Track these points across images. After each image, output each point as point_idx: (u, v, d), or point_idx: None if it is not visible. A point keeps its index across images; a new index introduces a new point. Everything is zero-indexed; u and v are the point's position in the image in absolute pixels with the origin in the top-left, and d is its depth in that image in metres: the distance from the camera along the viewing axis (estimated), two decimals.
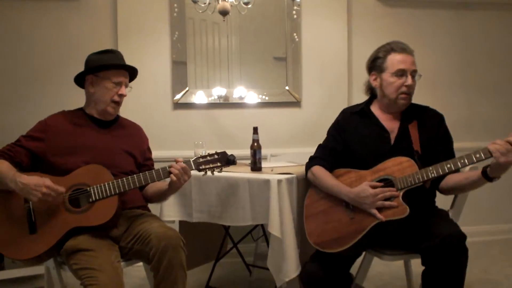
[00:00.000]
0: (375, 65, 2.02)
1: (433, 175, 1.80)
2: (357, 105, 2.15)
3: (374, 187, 1.85)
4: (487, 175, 1.75)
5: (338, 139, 2.09)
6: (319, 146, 2.15)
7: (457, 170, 1.81)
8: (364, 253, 2.05)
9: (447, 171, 1.78)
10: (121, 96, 2.04)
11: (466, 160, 1.74)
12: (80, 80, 2.07)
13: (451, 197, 2.07)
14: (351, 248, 1.86)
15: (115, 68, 2.03)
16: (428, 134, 1.98)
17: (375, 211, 1.82)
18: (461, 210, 2.03)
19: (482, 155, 1.70)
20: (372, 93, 2.11)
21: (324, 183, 1.99)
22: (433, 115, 2.03)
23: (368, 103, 2.11)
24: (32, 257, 1.78)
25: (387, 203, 1.82)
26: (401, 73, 1.95)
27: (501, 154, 1.65)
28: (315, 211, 2.02)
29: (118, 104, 2.05)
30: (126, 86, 2.07)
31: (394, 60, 1.95)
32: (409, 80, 1.94)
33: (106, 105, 2.02)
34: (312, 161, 2.10)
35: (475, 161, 1.72)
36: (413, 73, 1.96)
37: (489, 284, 2.76)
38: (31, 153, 1.94)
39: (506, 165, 1.67)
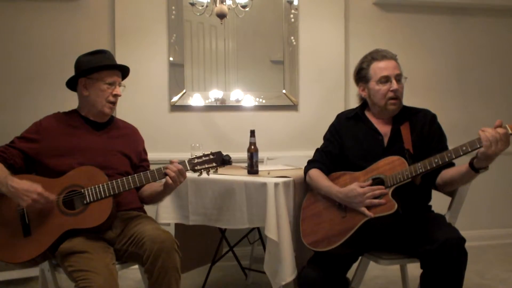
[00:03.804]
0: (360, 76, 2.08)
1: (421, 170, 1.81)
2: (352, 109, 2.20)
3: (363, 187, 1.87)
4: (474, 166, 1.76)
5: (334, 143, 2.13)
6: (317, 150, 2.20)
7: (446, 164, 1.82)
8: (360, 257, 2.05)
9: (434, 165, 1.79)
10: (116, 96, 2.03)
11: (453, 154, 1.76)
12: (72, 83, 2.06)
13: (447, 201, 2.07)
14: (343, 247, 1.87)
15: (107, 69, 2.02)
16: (420, 134, 2.00)
17: (363, 209, 1.84)
18: (457, 213, 2.03)
19: (469, 147, 1.71)
20: (365, 100, 2.14)
21: (318, 185, 2.03)
22: (425, 115, 2.05)
23: (362, 107, 2.15)
24: (26, 260, 1.77)
25: (375, 201, 1.84)
26: (385, 79, 2.00)
27: (490, 143, 1.65)
28: (311, 213, 2.06)
29: (113, 104, 2.04)
30: (120, 85, 2.06)
31: (377, 69, 2.01)
32: (394, 85, 1.98)
33: (102, 106, 2.01)
34: (310, 165, 2.14)
35: (461, 154, 1.74)
36: (397, 77, 2.00)
37: None
38: (25, 154, 1.92)
39: (493, 155, 1.67)
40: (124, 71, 2.10)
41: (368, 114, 2.11)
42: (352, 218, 1.88)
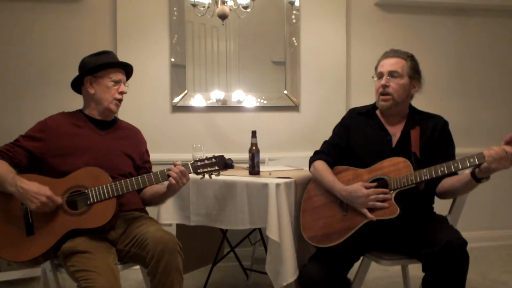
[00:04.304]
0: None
1: (426, 177, 1.81)
2: (365, 106, 2.19)
3: (367, 188, 1.87)
4: (475, 176, 1.77)
5: (342, 136, 2.13)
6: (325, 141, 2.19)
7: (450, 174, 1.82)
8: (361, 257, 2.06)
9: (440, 174, 1.79)
10: (122, 93, 2.06)
11: (459, 164, 1.75)
12: (76, 84, 2.08)
13: (449, 202, 2.07)
14: (344, 243, 1.87)
15: (113, 67, 2.04)
16: (429, 139, 2.00)
17: (365, 211, 1.84)
18: (459, 215, 2.03)
19: (476, 159, 1.71)
20: None
21: (322, 178, 2.03)
22: (437, 121, 2.04)
23: (374, 105, 2.14)
24: (29, 259, 1.77)
25: (378, 204, 1.83)
26: (379, 76, 2.04)
27: (493, 160, 1.66)
28: (311, 206, 2.06)
29: (119, 101, 2.07)
30: (124, 83, 2.09)
31: (378, 66, 2.07)
32: (382, 80, 2.01)
33: (108, 103, 2.03)
34: (316, 155, 2.14)
35: (468, 165, 1.73)
36: (391, 73, 2.01)
37: None
38: (30, 153, 1.93)
39: (496, 170, 1.68)
40: (128, 71, 2.13)
41: (379, 113, 2.12)
42: (353, 217, 1.89)
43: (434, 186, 1.97)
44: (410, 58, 2.04)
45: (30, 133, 1.97)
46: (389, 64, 2.02)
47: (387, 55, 2.06)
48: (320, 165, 2.07)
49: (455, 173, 1.89)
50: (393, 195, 1.85)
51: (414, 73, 2.03)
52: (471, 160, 1.72)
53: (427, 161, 1.87)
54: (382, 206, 1.83)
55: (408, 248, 1.88)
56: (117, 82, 2.04)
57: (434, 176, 1.80)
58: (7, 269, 2.73)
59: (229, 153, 2.02)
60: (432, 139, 2.00)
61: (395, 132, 2.04)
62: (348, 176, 2.00)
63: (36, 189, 1.75)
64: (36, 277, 2.77)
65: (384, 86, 2.00)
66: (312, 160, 2.13)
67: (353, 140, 2.10)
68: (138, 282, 2.83)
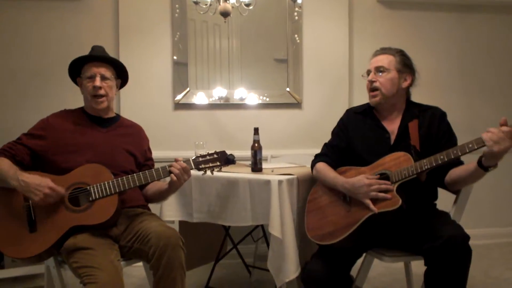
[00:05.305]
0: None
1: (426, 167, 1.81)
2: (361, 105, 2.20)
3: (369, 179, 1.88)
4: (482, 164, 1.76)
5: (341, 137, 2.15)
6: (325, 144, 2.22)
7: (453, 161, 1.82)
8: (364, 254, 2.06)
9: (440, 162, 1.79)
10: (96, 88, 2.01)
11: (458, 151, 1.75)
12: None
13: (451, 200, 2.07)
14: (347, 240, 1.88)
15: (86, 63, 2.04)
16: (428, 132, 2.00)
17: (368, 201, 1.85)
18: (462, 210, 2.02)
19: (475, 144, 1.71)
20: None
21: (324, 177, 2.06)
22: (434, 113, 2.04)
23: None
24: (32, 256, 1.78)
25: (381, 194, 1.84)
26: (368, 73, 2.08)
27: (494, 143, 1.65)
28: (316, 206, 2.07)
29: (99, 97, 2.02)
30: (106, 77, 2.03)
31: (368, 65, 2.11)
32: (369, 77, 2.05)
33: (89, 101, 2.04)
34: (317, 158, 2.18)
35: (467, 151, 1.73)
36: (377, 69, 2.04)
37: (489, 287, 2.76)
38: (32, 151, 1.94)
39: (500, 153, 1.67)
40: (116, 64, 2.09)
41: (376, 111, 2.12)
42: (356, 212, 1.89)
43: (439, 178, 1.96)
44: (399, 54, 2.06)
45: (32, 131, 1.98)
46: (376, 61, 2.06)
47: (375, 53, 2.09)
48: (321, 166, 2.10)
49: (457, 161, 1.89)
50: (395, 187, 1.85)
51: (404, 67, 2.05)
52: (470, 145, 1.72)
53: (427, 154, 1.86)
54: (385, 196, 1.84)
55: (411, 243, 1.88)
56: (90, 78, 2.02)
57: (434, 165, 1.80)
58: (11, 266, 2.74)
59: (232, 150, 2.02)
60: (430, 131, 2.00)
61: (393, 128, 2.05)
62: (351, 175, 2.01)
63: (37, 182, 1.77)
64: (40, 274, 2.78)
65: (371, 82, 2.04)
66: (313, 163, 2.16)
67: (353, 140, 2.11)
68: (141, 278, 2.84)
